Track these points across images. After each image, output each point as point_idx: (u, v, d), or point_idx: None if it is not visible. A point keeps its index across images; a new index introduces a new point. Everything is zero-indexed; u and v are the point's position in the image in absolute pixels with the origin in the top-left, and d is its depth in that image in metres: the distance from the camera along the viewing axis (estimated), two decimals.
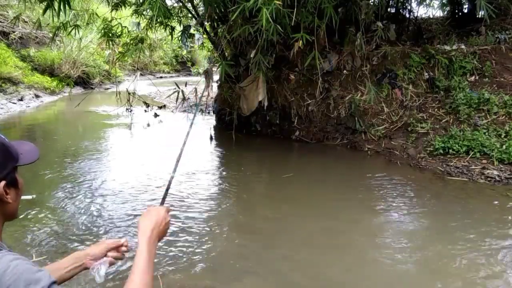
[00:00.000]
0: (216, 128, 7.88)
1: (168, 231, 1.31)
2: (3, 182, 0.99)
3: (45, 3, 5.10)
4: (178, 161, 1.52)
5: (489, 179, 4.54)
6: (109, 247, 1.35)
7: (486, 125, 5.32)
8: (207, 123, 8.30)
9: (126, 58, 7.83)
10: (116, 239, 1.39)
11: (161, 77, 18.56)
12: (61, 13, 4.98)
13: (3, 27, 11.50)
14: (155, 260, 2.77)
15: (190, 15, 7.41)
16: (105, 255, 1.33)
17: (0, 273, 0.86)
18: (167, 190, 1.45)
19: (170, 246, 3.06)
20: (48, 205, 3.81)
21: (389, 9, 7.57)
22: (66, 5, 4.95)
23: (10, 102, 9.72)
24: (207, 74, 6.09)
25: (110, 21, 6.84)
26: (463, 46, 6.42)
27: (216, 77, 7.90)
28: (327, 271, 2.81)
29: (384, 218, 3.72)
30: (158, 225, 1.22)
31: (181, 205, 3.86)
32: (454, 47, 6.43)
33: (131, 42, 7.12)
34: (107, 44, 7.08)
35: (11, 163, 1.03)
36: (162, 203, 1.40)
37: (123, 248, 1.37)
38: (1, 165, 0.99)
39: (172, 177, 1.50)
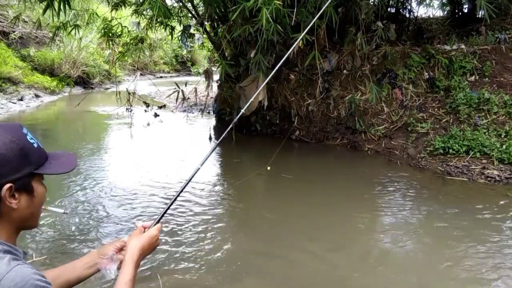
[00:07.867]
0: (216, 128, 7.89)
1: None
2: (8, 185, 0.95)
3: (45, 3, 5.10)
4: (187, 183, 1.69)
5: (489, 179, 4.54)
6: (118, 246, 1.40)
7: (486, 125, 5.32)
8: (207, 123, 8.30)
9: (126, 58, 7.83)
10: (121, 241, 1.43)
11: (161, 77, 18.56)
12: (61, 13, 5.00)
13: (3, 27, 11.50)
14: (158, 261, 2.78)
15: (190, 15, 7.41)
16: (116, 253, 1.37)
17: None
18: (166, 209, 1.55)
19: (170, 245, 3.06)
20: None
21: (389, 9, 7.57)
22: (66, 5, 4.96)
23: (10, 102, 9.71)
24: (207, 74, 6.10)
25: (110, 21, 6.85)
26: (463, 46, 6.43)
27: (216, 77, 7.90)
28: (328, 271, 2.81)
29: (383, 218, 3.72)
30: (146, 247, 1.31)
31: (180, 205, 3.86)
32: (454, 47, 6.43)
33: (131, 42, 7.12)
34: (107, 44, 7.08)
35: (27, 168, 0.99)
36: (158, 221, 1.46)
37: None
38: (13, 168, 0.96)
39: (175, 198, 1.62)
